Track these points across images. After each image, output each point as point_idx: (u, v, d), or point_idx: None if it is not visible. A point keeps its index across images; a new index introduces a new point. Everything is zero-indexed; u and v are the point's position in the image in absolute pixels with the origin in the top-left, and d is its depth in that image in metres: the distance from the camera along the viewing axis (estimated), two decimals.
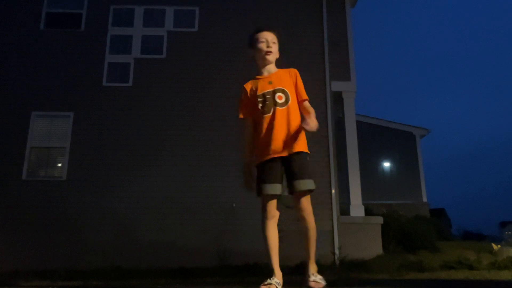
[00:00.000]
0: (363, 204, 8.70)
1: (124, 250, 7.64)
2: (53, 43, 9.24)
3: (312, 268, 2.50)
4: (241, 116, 2.63)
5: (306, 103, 2.58)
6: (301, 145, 2.49)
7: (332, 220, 8.13)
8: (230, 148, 8.48)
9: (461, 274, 5.55)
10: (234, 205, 8.04)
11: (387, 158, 15.81)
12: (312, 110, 2.53)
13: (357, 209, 8.51)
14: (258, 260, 6.43)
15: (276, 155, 2.45)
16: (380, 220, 8.37)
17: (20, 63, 9.06)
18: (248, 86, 2.62)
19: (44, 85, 8.89)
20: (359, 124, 10.26)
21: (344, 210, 8.81)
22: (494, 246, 8.20)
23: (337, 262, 7.45)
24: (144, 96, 8.91)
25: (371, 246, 8.01)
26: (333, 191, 8.32)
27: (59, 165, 8.60)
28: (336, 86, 9.13)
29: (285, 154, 2.45)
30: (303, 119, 2.48)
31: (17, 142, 8.49)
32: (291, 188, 2.45)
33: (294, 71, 2.63)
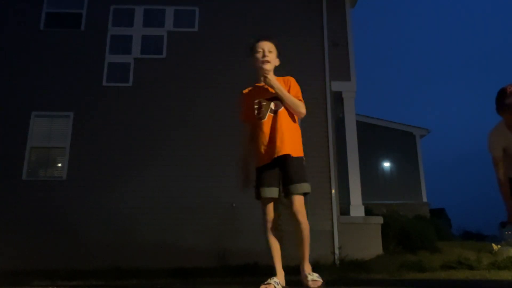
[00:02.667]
0: (363, 204, 8.69)
1: (124, 250, 7.63)
2: (53, 43, 9.24)
3: (307, 268, 2.56)
4: (241, 118, 2.78)
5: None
6: (297, 150, 2.61)
7: (332, 220, 8.13)
8: (230, 148, 8.48)
9: (461, 274, 5.55)
10: (234, 205, 8.04)
11: (387, 158, 15.79)
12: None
13: (357, 209, 8.51)
14: (258, 260, 6.43)
15: (272, 158, 2.54)
16: (380, 220, 8.37)
17: (20, 63, 9.06)
18: (246, 92, 2.80)
19: (44, 85, 8.89)
20: (359, 124, 10.24)
21: (344, 210, 8.81)
22: (494, 246, 8.21)
23: (337, 262, 7.45)
24: (144, 96, 8.91)
25: (371, 246, 8.01)
26: (333, 191, 8.32)
27: (59, 165, 8.60)
28: (336, 86, 9.13)
29: (281, 154, 2.53)
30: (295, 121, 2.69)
31: (17, 142, 8.49)
32: (287, 192, 2.55)
33: (289, 79, 2.74)
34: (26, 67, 9.01)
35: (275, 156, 2.53)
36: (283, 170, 2.56)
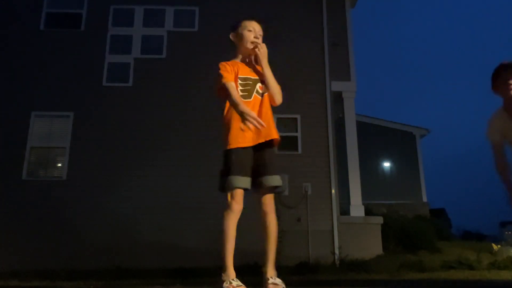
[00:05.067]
0: (363, 204, 8.69)
1: (124, 250, 7.64)
2: (53, 43, 9.23)
3: (271, 272, 2.33)
4: (227, 79, 2.44)
5: None
6: (275, 132, 2.43)
7: (332, 220, 8.12)
8: None
9: (461, 274, 5.55)
10: None
11: (387, 158, 15.80)
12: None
13: (357, 209, 8.51)
14: (258, 260, 6.42)
15: (251, 144, 2.37)
16: (380, 220, 8.37)
17: (20, 63, 9.05)
18: (229, 63, 2.54)
19: (44, 85, 8.89)
20: (359, 124, 10.25)
21: (344, 210, 8.81)
22: (494, 246, 8.22)
23: (337, 262, 7.45)
24: (144, 96, 8.90)
25: (371, 246, 8.00)
26: (333, 191, 8.31)
27: (59, 165, 8.60)
28: (336, 86, 9.13)
29: (261, 140, 2.36)
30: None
31: (17, 142, 8.49)
32: (260, 183, 2.37)
33: None
34: (26, 67, 9.00)
35: (262, 140, 2.35)
36: (259, 157, 2.37)
